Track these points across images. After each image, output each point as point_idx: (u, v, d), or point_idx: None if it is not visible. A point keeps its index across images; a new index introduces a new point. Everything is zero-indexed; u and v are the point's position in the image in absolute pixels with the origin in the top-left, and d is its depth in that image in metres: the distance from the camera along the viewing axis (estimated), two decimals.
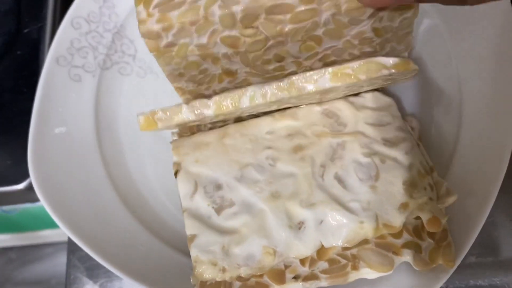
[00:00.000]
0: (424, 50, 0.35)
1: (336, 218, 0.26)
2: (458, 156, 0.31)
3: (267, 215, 0.27)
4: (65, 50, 0.34)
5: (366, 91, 0.31)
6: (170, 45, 0.26)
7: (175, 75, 0.29)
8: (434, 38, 0.35)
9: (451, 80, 0.33)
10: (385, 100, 0.31)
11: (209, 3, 0.24)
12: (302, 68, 0.29)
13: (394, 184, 0.27)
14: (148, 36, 0.26)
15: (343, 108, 0.30)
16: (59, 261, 0.59)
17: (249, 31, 0.26)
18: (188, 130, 0.32)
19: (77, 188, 0.31)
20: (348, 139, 0.29)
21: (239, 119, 0.32)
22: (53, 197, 0.30)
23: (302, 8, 0.24)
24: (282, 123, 0.30)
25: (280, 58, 0.28)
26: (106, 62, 0.35)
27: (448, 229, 0.27)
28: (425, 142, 0.32)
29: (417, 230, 0.27)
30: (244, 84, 0.30)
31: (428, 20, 0.35)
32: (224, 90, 0.31)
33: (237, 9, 0.24)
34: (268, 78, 0.30)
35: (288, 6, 0.24)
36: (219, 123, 0.32)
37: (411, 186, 0.27)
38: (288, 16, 0.25)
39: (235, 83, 0.30)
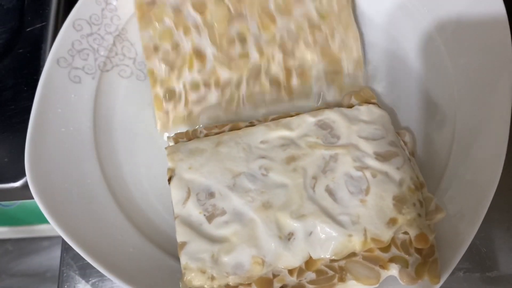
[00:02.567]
0: (421, 63, 0.35)
1: (325, 230, 0.27)
2: (449, 172, 0.31)
3: (258, 225, 0.27)
4: (66, 52, 0.34)
5: (361, 104, 0.32)
6: (151, 2, 0.35)
7: (151, 49, 0.34)
8: (431, 51, 0.35)
9: (447, 95, 0.33)
10: (379, 113, 0.31)
11: None
12: (264, 58, 0.35)
13: (384, 199, 0.28)
14: None
15: (337, 120, 0.31)
16: (54, 255, 0.59)
17: None
18: (184, 136, 0.32)
19: (72, 188, 0.31)
20: (340, 152, 0.29)
21: (235, 127, 0.32)
22: (47, 196, 0.30)
23: None
24: (276, 133, 0.31)
25: (242, 38, 0.34)
26: (106, 64, 0.36)
27: (435, 245, 0.28)
28: (417, 156, 0.32)
29: (405, 245, 0.28)
30: (212, 77, 0.34)
31: (424, 33, 0.35)
32: (193, 85, 0.34)
33: None
34: (234, 68, 0.34)
35: None
36: (214, 130, 0.32)
37: (400, 201, 0.28)
38: None
39: (204, 73, 0.34)
